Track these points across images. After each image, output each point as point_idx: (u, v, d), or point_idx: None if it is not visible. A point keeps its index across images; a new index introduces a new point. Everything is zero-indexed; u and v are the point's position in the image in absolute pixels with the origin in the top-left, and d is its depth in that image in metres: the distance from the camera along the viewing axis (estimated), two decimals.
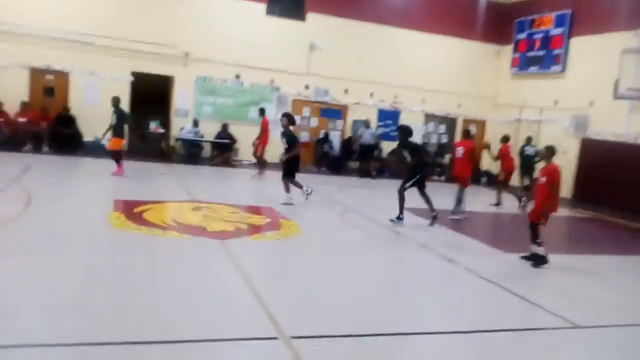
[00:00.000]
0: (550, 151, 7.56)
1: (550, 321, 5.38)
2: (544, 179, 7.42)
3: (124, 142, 12.20)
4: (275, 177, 14.87)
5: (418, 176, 9.48)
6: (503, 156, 12.99)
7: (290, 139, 10.25)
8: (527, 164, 13.84)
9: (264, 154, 14.35)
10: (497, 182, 13.50)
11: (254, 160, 15.05)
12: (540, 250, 7.41)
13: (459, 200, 10.77)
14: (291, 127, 10.49)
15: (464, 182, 10.74)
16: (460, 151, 10.84)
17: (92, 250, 6.14)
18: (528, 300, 5.94)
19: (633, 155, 14.02)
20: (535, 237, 7.45)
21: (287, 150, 10.27)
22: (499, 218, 12.56)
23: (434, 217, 9.64)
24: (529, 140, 14.62)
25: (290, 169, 10.30)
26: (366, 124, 17.14)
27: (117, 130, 11.78)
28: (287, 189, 10.32)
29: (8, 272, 5.14)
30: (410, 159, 9.61)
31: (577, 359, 4.80)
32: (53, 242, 6.35)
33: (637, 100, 12.64)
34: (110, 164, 11.85)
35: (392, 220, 9.37)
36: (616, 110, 14.25)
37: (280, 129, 10.60)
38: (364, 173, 16.54)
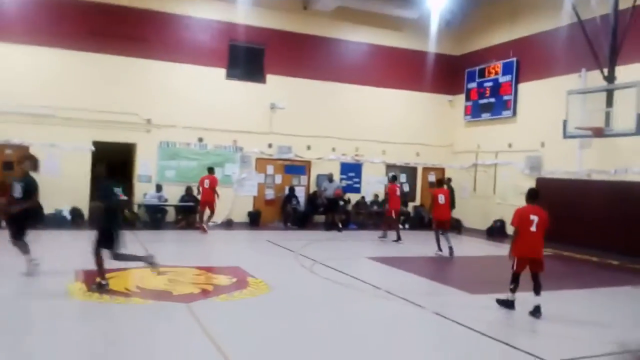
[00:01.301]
0: (529, 194, 7.53)
1: (522, 358, 5.45)
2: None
3: None
4: (242, 236, 14.87)
5: None
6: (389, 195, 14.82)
7: (30, 186, 8.47)
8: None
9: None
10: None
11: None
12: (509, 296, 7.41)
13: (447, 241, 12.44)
14: (31, 173, 8.77)
15: (449, 225, 12.85)
16: (442, 198, 12.45)
17: (52, 323, 5.99)
18: (497, 340, 6.02)
19: (586, 191, 14.57)
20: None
21: (18, 201, 8.27)
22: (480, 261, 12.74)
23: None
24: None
25: (22, 225, 8.38)
26: (329, 178, 17.41)
27: None
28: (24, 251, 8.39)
29: None
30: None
31: None
32: (10, 317, 6.16)
33: (585, 138, 13.25)
34: (71, 235, 11.63)
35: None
36: (567, 149, 14.88)
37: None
38: (330, 226, 16.65)
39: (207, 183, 14.96)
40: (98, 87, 15.34)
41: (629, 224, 13.21)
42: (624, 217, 13.37)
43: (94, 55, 15.29)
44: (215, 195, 15.04)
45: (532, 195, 7.54)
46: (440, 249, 12.53)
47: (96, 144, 15.35)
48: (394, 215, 14.76)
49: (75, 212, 14.93)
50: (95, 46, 15.21)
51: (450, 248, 12.34)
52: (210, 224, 15.50)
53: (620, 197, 13.59)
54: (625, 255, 12.75)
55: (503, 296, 7.52)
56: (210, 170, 15.48)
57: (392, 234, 14.52)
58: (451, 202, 13.52)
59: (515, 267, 7.38)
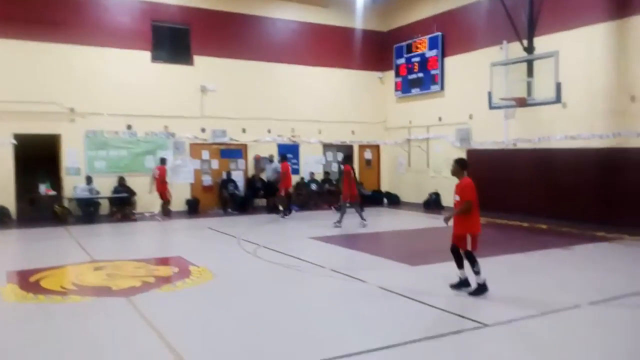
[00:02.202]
0: (460, 164, 6.91)
1: (462, 323, 5.70)
2: (457, 197, 6.84)
3: None
4: (181, 224, 14.58)
5: None
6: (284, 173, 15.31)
7: None
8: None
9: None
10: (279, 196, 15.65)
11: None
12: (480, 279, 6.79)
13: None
14: None
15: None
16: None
17: None
18: (438, 308, 6.25)
19: (513, 160, 15.28)
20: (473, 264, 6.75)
21: None
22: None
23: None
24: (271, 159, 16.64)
25: None
26: (269, 159, 17.30)
27: None
28: None
29: None
30: None
31: (489, 357, 5.10)
32: None
33: (509, 108, 13.80)
34: (0, 235, 11.01)
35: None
36: (493, 120, 15.46)
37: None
38: (271, 209, 16.59)
39: (156, 173, 15.29)
40: (16, 76, 14.43)
41: (554, 189, 13.99)
42: (549, 184, 14.15)
43: (9, 42, 14.39)
44: (167, 185, 15.53)
45: (466, 165, 7.01)
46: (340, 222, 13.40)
47: (18, 137, 14.48)
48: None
49: (1, 211, 14.12)
50: (10, 32, 14.31)
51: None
52: (147, 214, 15.14)
53: (545, 165, 14.35)
54: (553, 219, 13.50)
55: (470, 284, 6.96)
56: (161, 161, 15.71)
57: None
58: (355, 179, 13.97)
59: (473, 245, 6.78)
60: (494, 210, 15.21)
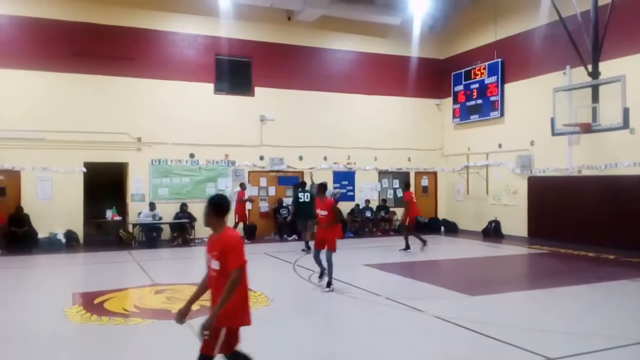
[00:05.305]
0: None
1: (525, 356, 5.48)
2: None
3: None
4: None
5: None
6: (409, 202, 13.90)
7: None
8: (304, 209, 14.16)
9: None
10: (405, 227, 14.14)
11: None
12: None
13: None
14: None
15: None
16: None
17: (52, 349, 5.94)
18: (498, 340, 6.04)
19: (578, 187, 14.69)
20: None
21: None
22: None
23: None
24: (303, 186, 15.43)
25: None
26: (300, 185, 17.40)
27: None
28: None
29: None
30: None
31: None
32: (9, 344, 6.11)
33: (573, 134, 13.37)
34: (68, 259, 11.57)
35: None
36: (556, 146, 15.00)
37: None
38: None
39: (237, 197, 15.91)
40: (87, 108, 15.32)
41: (621, 217, 13.33)
42: (616, 211, 13.49)
43: (81, 77, 15.29)
44: (245, 209, 16.11)
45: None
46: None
47: (88, 165, 15.31)
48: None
49: (70, 235, 14.86)
50: (81, 67, 15.23)
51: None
52: (206, 239, 15.51)
53: (612, 192, 13.71)
54: (620, 248, 12.84)
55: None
56: (241, 185, 16.30)
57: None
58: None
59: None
60: (557, 239, 14.68)
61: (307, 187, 15.75)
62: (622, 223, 13.30)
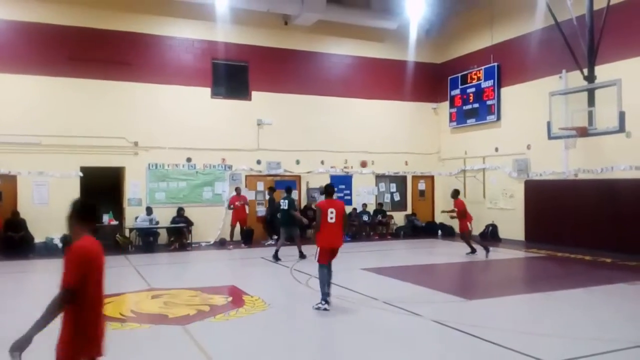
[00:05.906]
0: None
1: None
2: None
3: None
4: (235, 254, 14.80)
5: None
6: (464, 210, 13.55)
7: None
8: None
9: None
10: (465, 234, 13.81)
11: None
12: None
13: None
14: None
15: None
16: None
17: (48, 355, 5.90)
18: (495, 344, 6.04)
19: (574, 191, 14.74)
20: None
21: None
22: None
23: None
24: (288, 192, 14.18)
25: None
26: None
27: None
28: None
29: None
30: None
31: None
32: (4, 350, 6.07)
33: (570, 138, 13.41)
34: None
35: None
36: (553, 150, 15.05)
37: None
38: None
39: (235, 203, 15.95)
40: (83, 113, 15.29)
41: (618, 221, 13.37)
42: (613, 215, 13.53)
43: (77, 81, 15.26)
44: (244, 211, 16.10)
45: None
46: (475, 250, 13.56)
47: (84, 169, 15.27)
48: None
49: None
50: (78, 71, 15.20)
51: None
52: (203, 243, 15.46)
53: (608, 195, 13.76)
54: (617, 252, 12.87)
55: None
56: (236, 190, 16.24)
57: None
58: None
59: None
60: (554, 242, 14.70)
61: (293, 195, 15.19)
62: (619, 226, 13.33)
